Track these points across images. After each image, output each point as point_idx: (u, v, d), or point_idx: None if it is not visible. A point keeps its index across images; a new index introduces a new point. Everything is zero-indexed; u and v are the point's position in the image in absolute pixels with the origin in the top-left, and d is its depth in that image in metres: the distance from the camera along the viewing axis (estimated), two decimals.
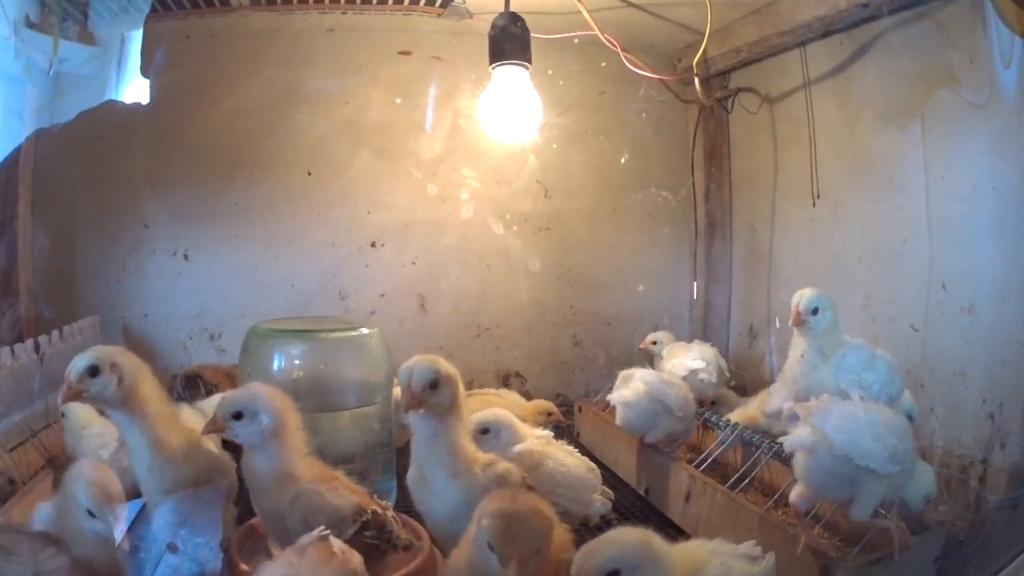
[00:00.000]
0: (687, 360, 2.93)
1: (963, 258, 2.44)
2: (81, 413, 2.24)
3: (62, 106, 2.91)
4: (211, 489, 1.85)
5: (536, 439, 2.26)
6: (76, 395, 1.70)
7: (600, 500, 2.26)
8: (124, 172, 3.16)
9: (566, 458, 2.24)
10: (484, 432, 2.18)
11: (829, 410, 1.88)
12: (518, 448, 2.18)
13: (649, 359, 3.13)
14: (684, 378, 2.80)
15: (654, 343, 3.14)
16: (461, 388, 1.88)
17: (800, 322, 2.22)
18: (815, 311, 2.20)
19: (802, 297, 2.21)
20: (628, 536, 1.48)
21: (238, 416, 1.75)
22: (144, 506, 1.65)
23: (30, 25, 2.68)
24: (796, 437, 1.87)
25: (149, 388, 1.80)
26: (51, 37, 2.76)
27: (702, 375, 2.90)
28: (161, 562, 1.40)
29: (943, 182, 2.50)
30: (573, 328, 3.65)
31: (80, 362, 1.69)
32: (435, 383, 1.80)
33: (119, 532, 1.54)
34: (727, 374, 3.01)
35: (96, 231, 3.17)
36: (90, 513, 1.53)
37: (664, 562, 1.46)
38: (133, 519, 1.54)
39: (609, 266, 3.70)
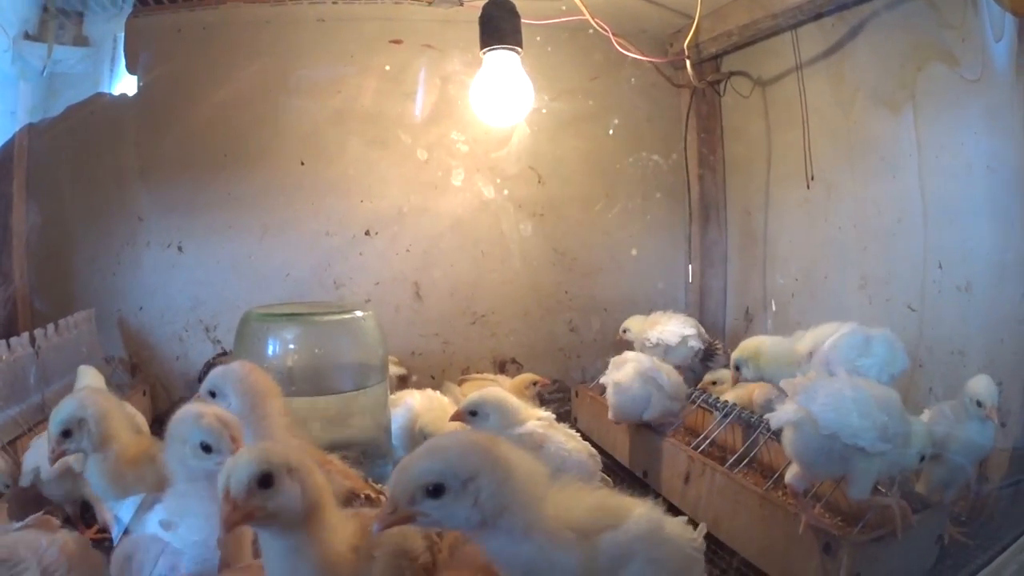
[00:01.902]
0: (675, 326, 3.02)
1: (959, 237, 2.42)
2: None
3: (55, 105, 2.91)
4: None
5: (537, 421, 2.21)
6: (60, 455, 1.78)
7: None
8: (117, 166, 3.14)
9: (567, 442, 2.18)
10: (473, 414, 2.13)
11: (815, 388, 1.85)
12: (520, 431, 2.13)
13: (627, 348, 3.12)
14: (675, 345, 2.95)
15: (625, 331, 3.17)
16: (319, 480, 1.30)
17: (737, 380, 2.44)
18: (738, 367, 2.37)
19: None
20: (454, 441, 1.24)
21: (212, 395, 1.78)
22: (140, 504, 1.63)
23: (27, 37, 2.71)
24: (782, 413, 1.85)
25: (116, 426, 1.83)
26: (47, 44, 2.77)
27: (692, 342, 2.99)
28: (159, 560, 1.36)
29: (937, 161, 2.48)
30: (569, 313, 3.63)
31: (54, 424, 1.76)
32: (266, 478, 1.22)
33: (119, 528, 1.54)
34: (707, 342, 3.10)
35: (90, 225, 3.15)
36: (204, 448, 1.52)
37: (517, 474, 1.19)
38: (129, 517, 1.53)
39: (604, 251, 3.68)
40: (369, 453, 2.31)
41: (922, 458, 1.86)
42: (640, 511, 1.30)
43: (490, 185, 3.49)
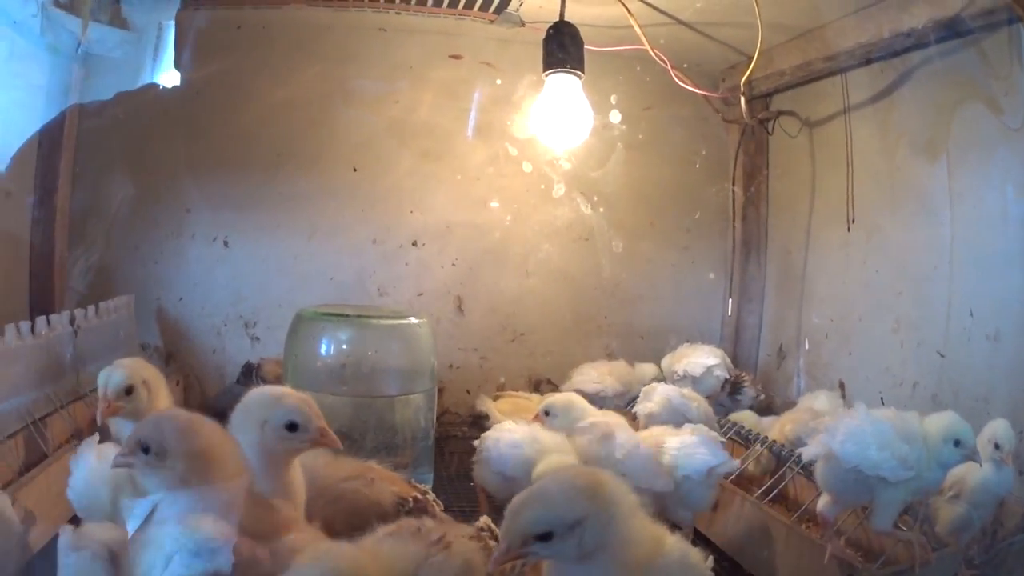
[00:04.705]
0: (700, 358, 3.16)
1: (991, 286, 2.53)
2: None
3: (92, 87, 3.03)
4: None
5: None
6: (115, 412, 1.86)
7: (663, 480, 2.21)
8: (168, 156, 3.28)
9: (633, 436, 2.33)
10: (547, 414, 2.37)
11: (835, 427, 2.00)
12: (584, 423, 2.32)
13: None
14: (700, 376, 3.09)
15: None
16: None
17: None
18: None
19: None
20: (562, 486, 1.34)
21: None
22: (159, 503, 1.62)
23: (59, 5, 2.72)
24: (812, 447, 2.04)
25: (165, 403, 1.95)
26: (80, 18, 2.80)
27: (717, 372, 3.14)
28: (172, 560, 1.33)
29: (975, 211, 2.60)
30: (606, 339, 3.75)
31: (116, 379, 1.85)
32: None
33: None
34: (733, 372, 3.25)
35: (137, 212, 3.27)
36: (290, 428, 1.60)
37: (620, 513, 1.33)
38: (145, 515, 1.49)
39: (645, 279, 3.81)
40: (415, 458, 2.45)
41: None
42: (671, 540, 1.47)
43: (538, 206, 3.63)
